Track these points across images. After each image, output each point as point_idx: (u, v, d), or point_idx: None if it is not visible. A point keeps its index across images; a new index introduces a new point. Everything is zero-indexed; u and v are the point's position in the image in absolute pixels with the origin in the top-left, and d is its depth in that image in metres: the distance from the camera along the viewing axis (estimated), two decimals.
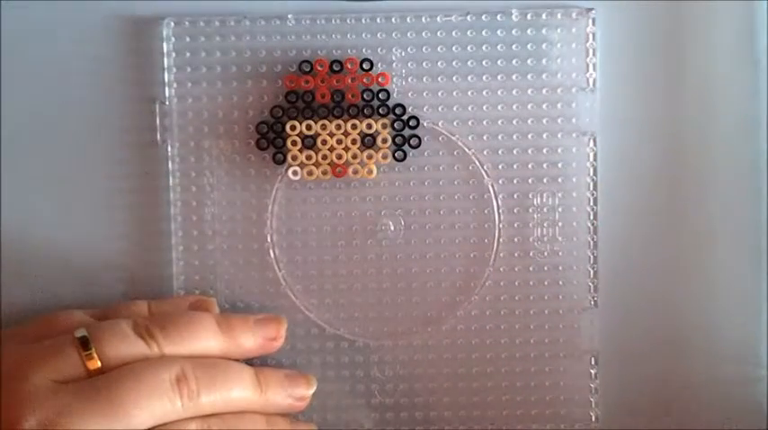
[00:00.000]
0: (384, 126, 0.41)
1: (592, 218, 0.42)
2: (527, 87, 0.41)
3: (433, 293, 0.42)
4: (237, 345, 0.38)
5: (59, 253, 0.41)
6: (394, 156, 0.41)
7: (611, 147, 0.42)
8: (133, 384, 0.34)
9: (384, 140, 0.41)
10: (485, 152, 0.42)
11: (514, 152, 0.41)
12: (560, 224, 0.42)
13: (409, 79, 0.41)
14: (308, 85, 0.41)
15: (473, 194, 0.42)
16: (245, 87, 0.41)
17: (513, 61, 0.41)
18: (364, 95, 0.41)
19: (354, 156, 0.41)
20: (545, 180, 0.42)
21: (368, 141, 0.41)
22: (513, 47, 0.41)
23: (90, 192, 0.41)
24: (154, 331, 0.36)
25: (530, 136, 0.41)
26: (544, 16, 0.41)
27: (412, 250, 0.42)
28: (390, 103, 0.41)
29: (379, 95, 0.41)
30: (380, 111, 0.41)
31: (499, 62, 0.41)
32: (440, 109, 0.41)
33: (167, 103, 0.41)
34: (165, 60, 0.41)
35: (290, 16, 0.41)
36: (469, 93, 0.41)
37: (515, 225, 0.42)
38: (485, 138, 0.41)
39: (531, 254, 0.42)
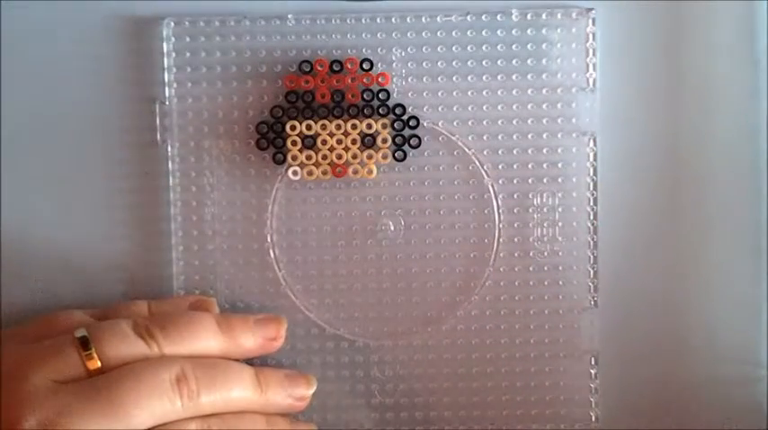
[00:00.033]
0: (384, 126, 0.41)
1: (592, 218, 0.42)
2: (527, 87, 0.41)
3: (433, 293, 0.42)
4: (237, 345, 0.38)
5: (59, 253, 0.41)
6: (394, 156, 0.41)
7: (611, 147, 0.42)
8: (133, 384, 0.34)
9: (384, 140, 0.41)
10: (485, 152, 0.42)
11: (514, 152, 0.41)
12: (560, 224, 0.42)
13: (409, 79, 0.41)
14: (308, 85, 0.41)
15: (473, 194, 0.42)
16: (245, 87, 0.41)
17: (513, 61, 0.41)
18: (364, 95, 0.41)
19: (354, 156, 0.41)
20: (545, 180, 0.42)
21: (368, 141, 0.41)
22: (513, 47, 0.41)
23: (90, 192, 0.41)
24: (154, 331, 0.36)
25: (530, 136, 0.41)
26: (544, 16, 0.41)
27: (412, 250, 0.42)
28: (390, 103, 0.41)
29: (379, 95, 0.41)
30: (380, 111, 0.41)
31: (499, 62, 0.41)
32: (440, 109, 0.41)
33: (167, 102, 0.41)
34: (165, 60, 0.41)
35: (290, 16, 0.41)
36: (469, 93, 0.41)
37: (515, 225, 0.42)
38: (485, 138, 0.41)
39: (531, 254, 0.42)
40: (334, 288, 0.42)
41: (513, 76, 0.41)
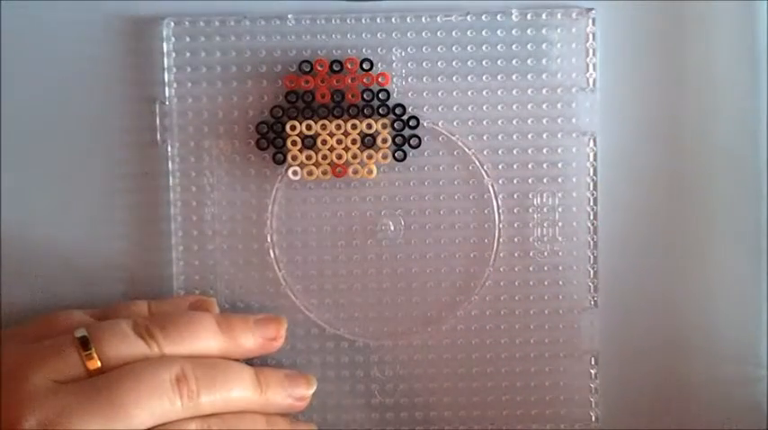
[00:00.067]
0: (384, 126, 0.41)
1: (592, 218, 0.42)
2: (527, 87, 0.41)
3: (433, 293, 0.42)
4: (237, 345, 0.38)
5: (59, 253, 0.41)
6: (394, 156, 0.41)
7: (611, 147, 0.42)
8: (133, 384, 0.34)
9: (384, 140, 0.41)
10: (485, 152, 0.42)
11: (514, 152, 0.41)
12: (560, 224, 0.42)
13: (409, 79, 0.41)
14: (308, 85, 0.41)
15: (473, 194, 0.42)
16: (245, 87, 0.41)
17: (513, 61, 0.41)
18: (364, 95, 0.41)
19: (354, 156, 0.41)
20: (545, 180, 0.42)
21: (368, 141, 0.41)
22: (513, 47, 0.41)
23: (90, 192, 0.41)
24: (154, 331, 0.36)
25: (530, 136, 0.41)
26: (544, 16, 0.41)
27: (412, 250, 0.42)
28: (390, 103, 0.41)
29: (379, 95, 0.41)
30: (380, 111, 0.41)
31: (499, 62, 0.41)
32: (440, 109, 0.41)
33: (167, 102, 0.41)
34: (165, 60, 0.41)
35: (290, 16, 0.41)
36: (469, 93, 0.41)
37: (515, 225, 0.42)
38: (485, 138, 0.41)
39: (531, 254, 0.42)
40: (334, 288, 0.42)
41: (513, 76, 0.41)
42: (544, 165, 0.42)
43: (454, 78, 0.41)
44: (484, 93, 0.41)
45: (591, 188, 0.42)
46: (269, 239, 0.41)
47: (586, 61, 0.41)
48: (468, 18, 0.41)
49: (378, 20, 0.41)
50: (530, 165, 0.42)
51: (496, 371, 0.42)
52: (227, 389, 0.36)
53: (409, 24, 0.41)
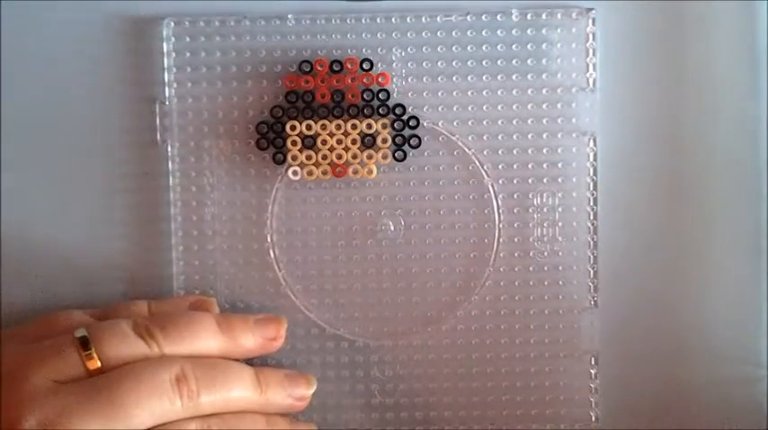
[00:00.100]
0: (384, 126, 0.41)
1: (592, 218, 0.42)
2: (527, 87, 0.41)
3: (433, 293, 0.42)
4: (237, 345, 0.38)
5: (59, 253, 0.41)
6: (394, 156, 0.41)
7: (611, 147, 0.42)
8: (133, 384, 0.34)
9: (384, 140, 0.41)
10: (485, 152, 0.42)
11: (514, 152, 0.41)
12: (560, 224, 0.42)
13: (409, 79, 0.41)
14: (308, 85, 0.41)
15: (473, 194, 0.42)
16: (245, 87, 0.41)
17: (513, 61, 0.41)
18: (364, 95, 0.41)
19: (354, 156, 0.41)
20: (545, 180, 0.42)
21: (368, 141, 0.41)
22: (513, 47, 0.41)
23: (90, 192, 0.41)
24: (154, 331, 0.36)
25: (530, 136, 0.41)
26: (544, 16, 0.41)
27: (412, 250, 0.42)
28: (390, 103, 0.41)
29: (379, 95, 0.41)
30: (380, 111, 0.41)
31: (499, 62, 0.41)
32: (440, 109, 0.41)
33: (167, 102, 0.41)
34: (165, 60, 0.41)
35: (290, 16, 0.41)
36: (469, 93, 0.41)
37: (515, 225, 0.42)
38: (485, 138, 0.41)
39: (531, 254, 0.42)
40: (334, 288, 0.42)
41: (513, 76, 0.41)
42: (544, 165, 0.42)
43: (454, 78, 0.41)
44: (484, 93, 0.41)
45: (591, 188, 0.42)
46: (269, 239, 0.41)
47: (586, 61, 0.41)
48: (468, 18, 0.41)
49: (378, 20, 0.41)
50: (530, 165, 0.42)
51: (496, 371, 0.42)
52: (227, 389, 0.36)
53: (409, 24, 0.41)
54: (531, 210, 0.42)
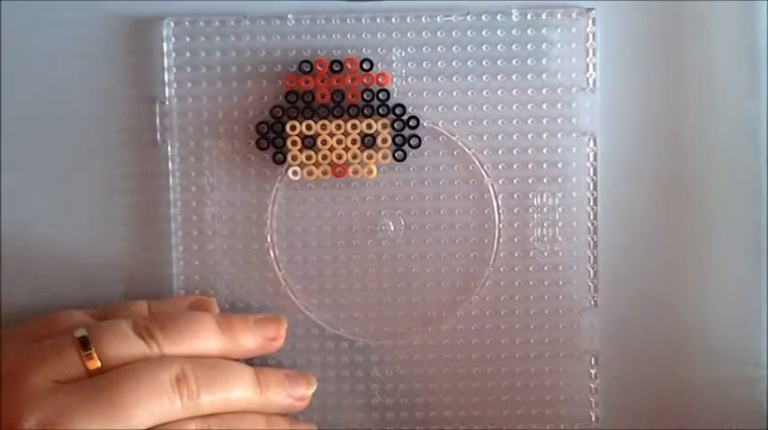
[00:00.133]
0: (384, 126, 0.41)
1: (592, 218, 0.42)
2: (527, 87, 0.41)
3: (433, 293, 0.42)
4: (237, 345, 0.38)
5: (59, 253, 0.41)
6: (394, 156, 0.41)
7: (611, 147, 0.42)
8: (133, 384, 0.34)
9: (384, 140, 0.41)
10: (485, 152, 0.42)
11: (514, 152, 0.41)
12: (560, 224, 0.42)
13: (409, 79, 0.41)
14: (308, 85, 0.41)
15: (473, 194, 0.42)
16: (245, 87, 0.41)
17: (513, 61, 0.41)
18: (364, 95, 0.41)
19: (354, 156, 0.41)
20: (545, 180, 0.42)
21: (368, 141, 0.41)
22: (513, 47, 0.41)
23: (90, 192, 0.41)
24: (154, 331, 0.36)
25: (530, 136, 0.41)
26: (544, 16, 0.41)
27: (412, 250, 0.42)
28: (390, 103, 0.41)
29: (379, 95, 0.41)
30: (380, 111, 0.41)
31: (499, 62, 0.41)
32: (440, 109, 0.41)
33: (167, 102, 0.41)
34: (165, 60, 0.41)
35: (290, 16, 0.41)
36: (469, 93, 0.41)
37: (515, 225, 0.42)
38: (485, 138, 0.41)
39: (531, 254, 0.42)
40: (334, 288, 0.42)
41: (513, 76, 0.41)
42: (544, 165, 0.42)
43: (454, 78, 0.41)
44: (484, 93, 0.41)
45: (591, 188, 0.42)
46: (269, 239, 0.41)
47: (586, 61, 0.41)
48: (468, 18, 0.41)
49: (378, 20, 0.41)
50: (530, 165, 0.42)
51: (496, 371, 0.42)
52: (227, 389, 0.36)
53: (409, 24, 0.41)
54: (531, 210, 0.42)
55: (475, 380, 0.42)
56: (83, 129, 0.41)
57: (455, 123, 0.41)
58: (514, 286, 0.42)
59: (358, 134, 0.41)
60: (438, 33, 0.41)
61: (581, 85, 0.41)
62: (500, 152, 0.42)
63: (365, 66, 0.41)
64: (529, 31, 0.41)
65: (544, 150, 0.41)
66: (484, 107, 0.41)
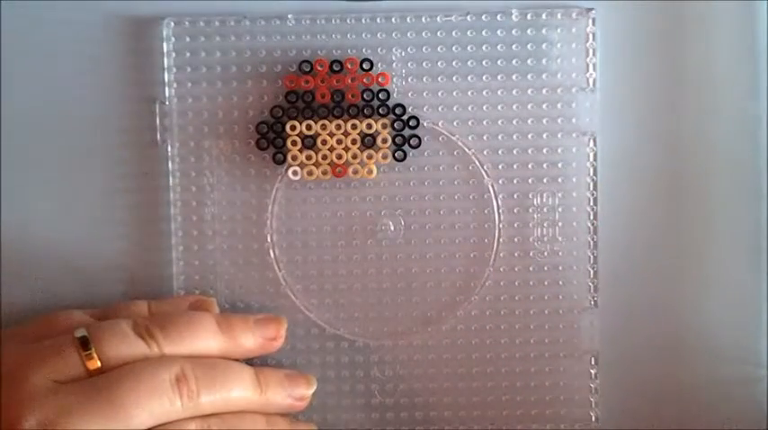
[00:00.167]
0: (384, 126, 0.41)
1: (592, 218, 0.42)
2: (527, 87, 0.41)
3: (433, 293, 0.42)
4: (237, 345, 0.38)
5: (59, 253, 0.41)
6: (394, 156, 0.41)
7: (611, 147, 0.42)
8: (133, 384, 0.34)
9: (384, 140, 0.41)
10: (485, 152, 0.42)
11: (514, 152, 0.41)
12: (560, 224, 0.42)
13: (409, 79, 0.41)
14: (308, 85, 0.41)
15: (473, 194, 0.42)
16: (245, 87, 0.41)
17: (513, 61, 0.41)
18: (364, 95, 0.41)
19: (354, 156, 0.41)
20: (545, 180, 0.42)
21: (368, 141, 0.41)
22: (513, 47, 0.41)
23: (90, 192, 0.41)
24: (154, 331, 0.36)
25: (530, 136, 0.41)
26: (544, 16, 0.41)
27: (412, 250, 0.42)
28: (390, 103, 0.41)
29: (379, 95, 0.41)
30: (380, 111, 0.41)
31: (499, 62, 0.41)
32: (440, 109, 0.41)
33: (167, 102, 0.41)
34: (165, 60, 0.41)
35: (290, 16, 0.41)
36: (469, 93, 0.41)
37: (515, 225, 0.42)
38: (485, 138, 0.41)
39: (531, 254, 0.42)
40: (334, 288, 0.42)
41: (513, 76, 0.41)
42: (544, 165, 0.42)
43: (454, 78, 0.41)
44: (484, 93, 0.41)
45: (591, 188, 0.42)
46: (269, 239, 0.41)
47: (586, 61, 0.41)
48: (468, 18, 0.41)
49: (378, 20, 0.41)
50: (530, 165, 0.42)
51: (496, 371, 0.42)
52: (227, 389, 0.36)
53: (409, 24, 0.41)
54: (531, 210, 0.42)
55: (475, 380, 0.42)
56: (83, 129, 0.41)
57: (455, 123, 0.41)
58: (514, 286, 0.42)
59: (358, 134, 0.41)
60: (438, 33, 0.41)
61: (581, 85, 0.41)
62: (500, 152, 0.42)
63: (365, 66, 0.41)
64: (529, 31, 0.41)
65: (544, 150, 0.41)
66: (484, 107, 0.41)
